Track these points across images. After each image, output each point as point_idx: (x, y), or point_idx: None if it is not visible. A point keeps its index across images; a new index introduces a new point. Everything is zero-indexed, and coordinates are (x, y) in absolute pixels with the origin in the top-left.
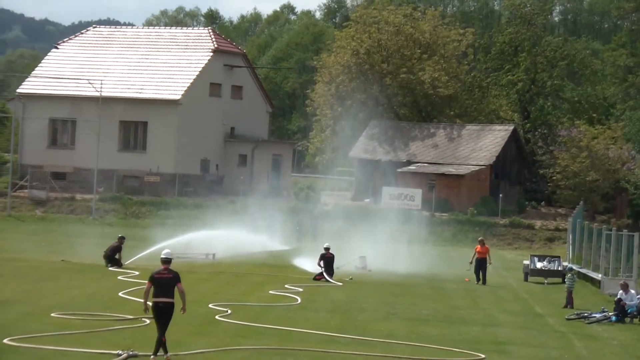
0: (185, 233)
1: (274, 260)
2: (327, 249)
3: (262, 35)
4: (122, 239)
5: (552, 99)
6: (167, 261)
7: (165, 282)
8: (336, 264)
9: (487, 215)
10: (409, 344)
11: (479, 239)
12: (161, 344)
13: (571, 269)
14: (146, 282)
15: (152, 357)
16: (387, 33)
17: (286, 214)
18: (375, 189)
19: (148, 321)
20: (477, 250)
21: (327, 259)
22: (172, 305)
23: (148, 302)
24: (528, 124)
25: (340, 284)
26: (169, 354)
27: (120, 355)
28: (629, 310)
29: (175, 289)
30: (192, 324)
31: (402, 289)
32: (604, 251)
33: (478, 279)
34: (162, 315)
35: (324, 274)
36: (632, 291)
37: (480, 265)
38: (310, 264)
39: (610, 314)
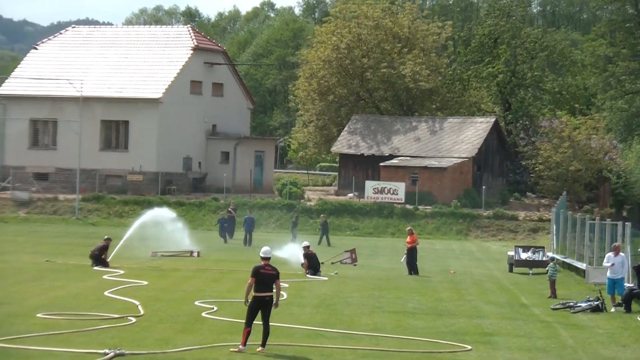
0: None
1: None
2: (306, 247)
3: (242, 32)
4: (108, 240)
5: (533, 90)
6: (268, 258)
7: (268, 278)
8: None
9: (470, 207)
10: (395, 337)
11: (407, 228)
12: (249, 334)
13: (553, 259)
14: (250, 277)
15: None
16: (366, 28)
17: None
18: (358, 183)
19: (134, 319)
20: (407, 241)
21: (309, 257)
22: (272, 298)
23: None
24: (509, 116)
25: (326, 278)
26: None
27: (107, 354)
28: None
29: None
30: (178, 321)
31: (387, 283)
32: (587, 241)
33: (410, 271)
34: (264, 308)
35: (306, 272)
36: (623, 254)
37: (411, 255)
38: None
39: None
